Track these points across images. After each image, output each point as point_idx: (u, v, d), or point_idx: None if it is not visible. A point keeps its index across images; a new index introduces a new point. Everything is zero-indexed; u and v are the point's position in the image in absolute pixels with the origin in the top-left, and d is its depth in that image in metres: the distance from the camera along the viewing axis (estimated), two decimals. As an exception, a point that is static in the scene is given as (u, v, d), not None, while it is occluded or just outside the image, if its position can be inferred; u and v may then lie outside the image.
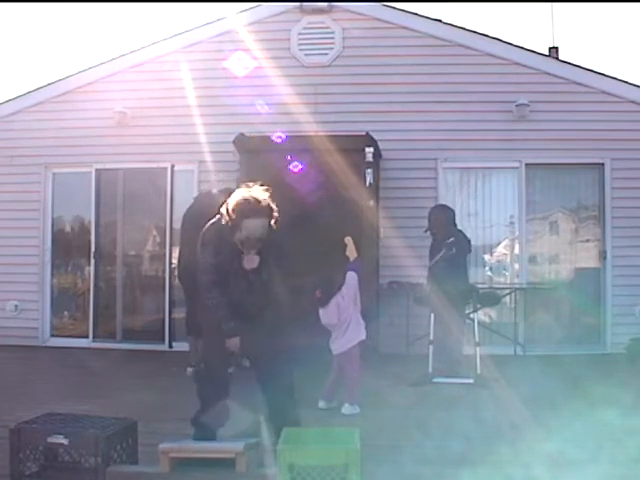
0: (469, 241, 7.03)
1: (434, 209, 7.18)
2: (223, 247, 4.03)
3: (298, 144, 7.62)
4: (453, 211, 7.11)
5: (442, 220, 6.91)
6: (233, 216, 3.94)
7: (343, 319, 5.45)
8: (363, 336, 5.51)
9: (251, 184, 4.11)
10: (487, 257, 8.67)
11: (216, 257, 4.02)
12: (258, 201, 3.96)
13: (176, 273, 7.46)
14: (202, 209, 5.29)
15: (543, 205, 8.62)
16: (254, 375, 4.30)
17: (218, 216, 4.12)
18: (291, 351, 4.30)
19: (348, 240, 5.60)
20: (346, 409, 5.34)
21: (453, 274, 6.57)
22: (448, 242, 6.60)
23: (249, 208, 3.93)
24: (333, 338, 5.50)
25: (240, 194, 4.00)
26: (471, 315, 6.82)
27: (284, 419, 4.02)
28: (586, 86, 8.35)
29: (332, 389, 5.53)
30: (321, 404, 5.47)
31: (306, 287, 5.63)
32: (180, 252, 6.95)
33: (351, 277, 5.51)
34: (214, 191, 6.45)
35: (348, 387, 5.44)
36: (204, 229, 4.15)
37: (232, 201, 3.98)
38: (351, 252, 5.56)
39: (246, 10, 8.77)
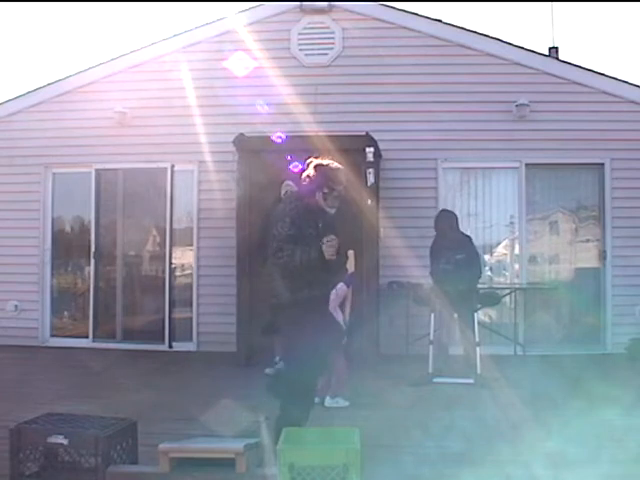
0: (479, 259, 7.17)
1: (445, 215, 7.16)
2: (297, 220, 4.08)
3: (298, 144, 7.60)
4: (456, 217, 7.15)
5: (454, 226, 7.03)
6: (323, 176, 4.15)
7: None
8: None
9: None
10: (487, 257, 8.66)
11: (292, 229, 4.04)
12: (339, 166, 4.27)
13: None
14: None
15: (543, 205, 8.62)
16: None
17: (283, 196, 4.26)
18: (297, 351, 4.28)
19: (350, 254, 5.72)
20: (327, 402, 5.58)
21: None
22: (458, 257, 6.75)
23: (337, 167, 4.22)
24: None
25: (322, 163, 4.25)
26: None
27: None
28: (586, 86, 8.34)
29: (322, 386, 5.61)
30: (316, 400, 5.57)
31: None
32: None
33: (339, 287, 5.70)
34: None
35: (332, 382, 5.64)
36: (277, 209, 4.25)
37: (320, 166, 4.21)
38: (350, 265, 5.71)
39: (246, 10, 8.76)
